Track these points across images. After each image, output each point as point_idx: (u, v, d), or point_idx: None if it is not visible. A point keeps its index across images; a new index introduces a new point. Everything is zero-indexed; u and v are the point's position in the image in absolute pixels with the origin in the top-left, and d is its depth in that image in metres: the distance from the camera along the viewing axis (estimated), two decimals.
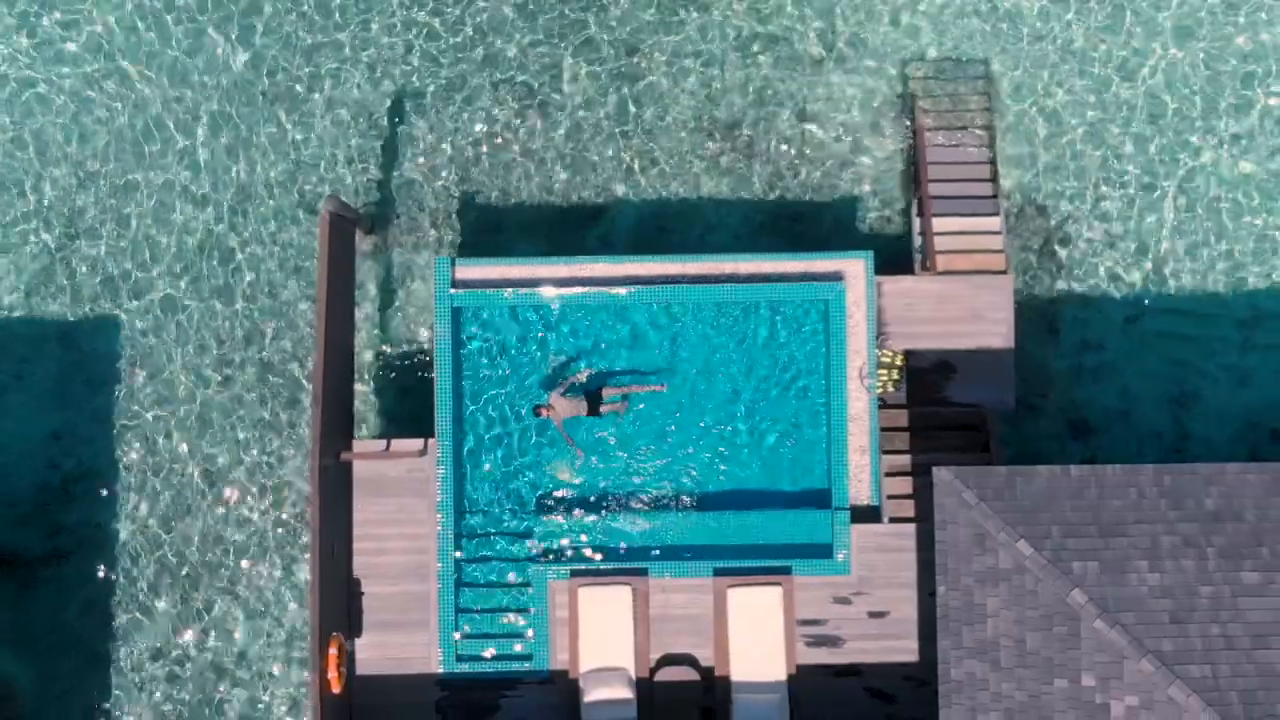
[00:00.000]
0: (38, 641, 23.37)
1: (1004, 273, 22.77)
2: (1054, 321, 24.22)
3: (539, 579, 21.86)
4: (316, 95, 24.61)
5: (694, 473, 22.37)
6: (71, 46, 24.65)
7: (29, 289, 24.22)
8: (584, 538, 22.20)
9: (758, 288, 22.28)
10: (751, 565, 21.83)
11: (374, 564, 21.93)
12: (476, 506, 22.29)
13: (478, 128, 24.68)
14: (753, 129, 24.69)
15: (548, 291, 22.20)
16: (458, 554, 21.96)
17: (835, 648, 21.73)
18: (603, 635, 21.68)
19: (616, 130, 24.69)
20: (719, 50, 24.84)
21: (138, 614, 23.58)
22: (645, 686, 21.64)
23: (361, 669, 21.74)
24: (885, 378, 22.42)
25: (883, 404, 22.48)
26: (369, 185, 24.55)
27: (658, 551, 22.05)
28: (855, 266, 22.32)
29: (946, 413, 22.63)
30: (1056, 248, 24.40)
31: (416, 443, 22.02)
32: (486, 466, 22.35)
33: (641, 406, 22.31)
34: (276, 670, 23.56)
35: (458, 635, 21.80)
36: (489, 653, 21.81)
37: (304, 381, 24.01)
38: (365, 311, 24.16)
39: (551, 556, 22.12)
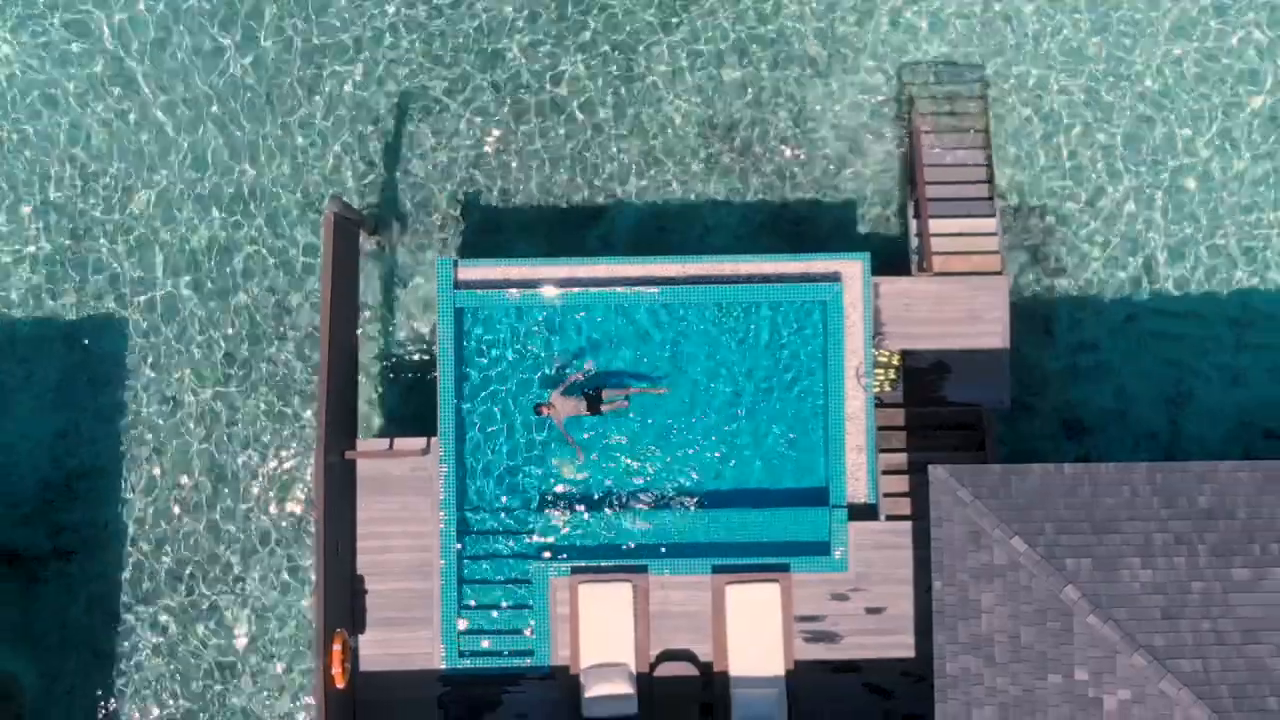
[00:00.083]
0: (42, 639, 23.45)
1: (1000, 274, 22.86)
2: (1049, 322, 24.33)
3: (540, 576, 21.95)
4: (319, 97, 24.68)
5: (693, 471, 22.45)
6: (76, 48, 24.73)
7: (34, 290, 24.31)
8: (584, 535, 22.27)
9: (756, 288, 22.37)
10: (750, 562, 21.92)
11: (378, 561, 22.01)
12: (478, 504, 22.35)
13: (479, 129, 24.75)
14: (751, 131, 24.78)
15: (549, 292, 22.29)
16: (460, 550, 22.03)
17: (833, 644, 21.85)
18: (603, 631, 21.76)
19: (616, 131, 24.77)
20: (718, 52, 24.93)
21: (141, 612, 23.67)
22: (645, 682, 21.73)
23: (365, 665, 21.81)
24: (882, 377, 22.50)
25: (880, 403, 22.59)
26: (372, 187, 24.62)
27: (658, 549, 22.10)
28: (853, 267, 22.42)
29: (943, 412, 22.76)
30: (1052, 249, 24.51)
31: (419, 441, 22.11)
32: (488, 465, 22.42)
33: (641, 405, 22.39)
34: (281, 667, 23.63)
35: (460, 629, 21.88)
36: (491, 648, 21.89)
37: (308, 381, 24.09)
38: (369, 312, 24.24)
39: (552, 554, 22.16)
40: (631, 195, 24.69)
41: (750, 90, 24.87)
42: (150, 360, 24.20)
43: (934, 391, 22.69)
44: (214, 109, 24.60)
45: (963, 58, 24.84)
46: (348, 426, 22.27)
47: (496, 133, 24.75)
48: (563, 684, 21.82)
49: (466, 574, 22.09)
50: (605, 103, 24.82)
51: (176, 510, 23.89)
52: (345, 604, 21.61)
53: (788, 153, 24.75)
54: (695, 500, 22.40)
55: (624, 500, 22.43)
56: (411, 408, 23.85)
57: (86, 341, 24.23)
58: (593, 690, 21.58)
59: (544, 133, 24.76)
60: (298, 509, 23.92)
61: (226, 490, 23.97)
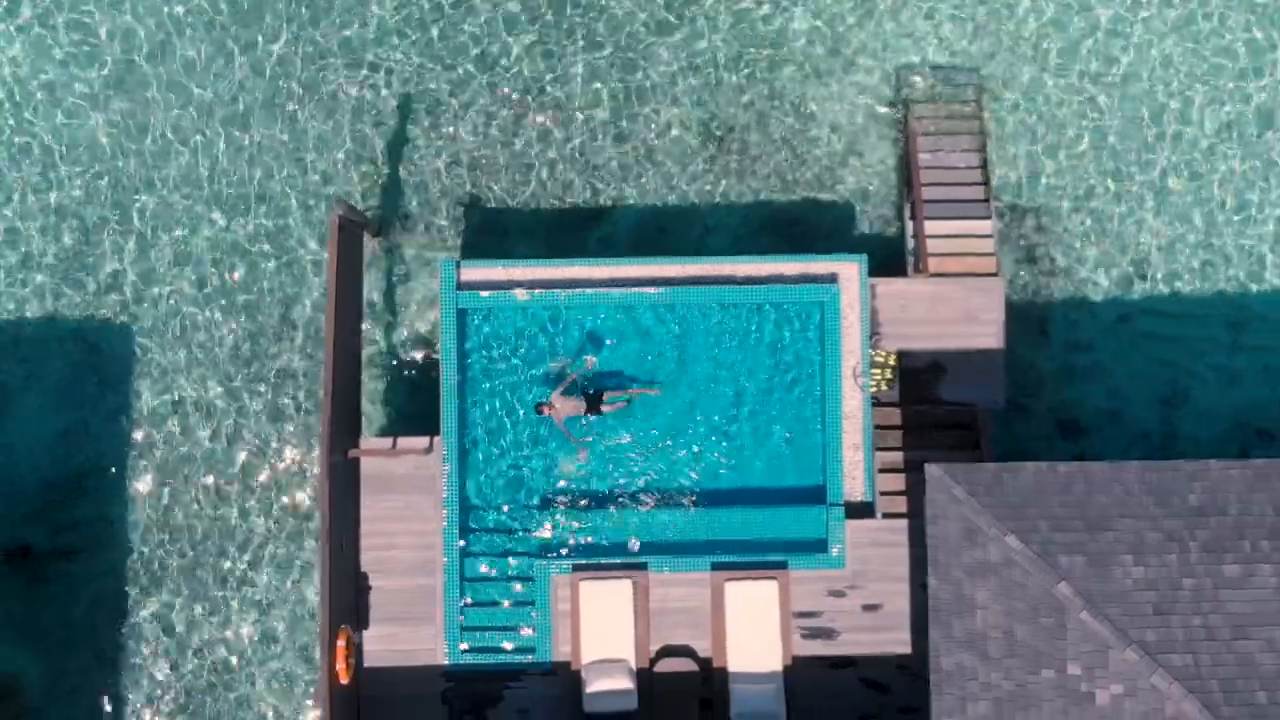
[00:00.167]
0: (47, 636, 23.51)
1: (995, 275, 22.96)
2: (1044, 323, 24.40)
3: (542, 573, 22.04)
4: (322, 100, 24.76)
5: (693, 470, 22.55)
6: (81, 50, 24.80)
7: (41, 291, 24.38)
8: (585, 533, 22.35)
9: (755, 289, 22.46)
10: (748, 560, 21.99)
11: (381, 559, 22.10)
12: (481, 503, 22.43)
13: (480, 131, 24.83)
14: (750, 133, 24.86)
15: (550, 292, 22.38)
16: (462, 548, 22.10)
17: (830, 640, 21.95)
18: (604, 628, 21.85)
19: (617, 133, 24.86)
20: (718, 55, 25.00)
21: (146, 609, 23.74)
22: (645, 677, 21.82)
23: (369, 661, 21.89)
24: (879, 377, 22.61)
25: (876, 403, 22.68)
26: (374, 188, 24.68)
27: (658, 546, 22.20)
28: (850, 269, 22.53)
29: (939, 412, 22.84)
30: (1047, 250, 24.60)
31: (422, 440, 22.21)
32: (490, 464, 22.52)
33: (641, 405, 22.51)
34: (286, 663, 23.71)
35: (463, 625, 21.96)
36: (493, 644, 21.97)
37: (313, 380, 24.17)
38: (372, 312, 24.29)
39: (554, 551, 22.27)
40: (631, 197, 24.77)
41: (749, 92, 24.95)
42: (155, 360, 24.26)
43: (930, 391, 22.78)
44: (219, 112, 24.68)
45: (958, 60, 24.93)
46: (352, 426, 22.37)
47: (498, 134, 24.83)
48: (564, 679, 21.91)
49: (469, 571, 22.18)
50: (605, 104, 24.90)
51: (181, 508, 23.96)
52: (350, 601, 21.72)
53: (786, 154, 24.83)
54: (694, 498, 22.48)
55: (624, 498, 22.50)
56: (415, 407, 23.88)
57: (92, 342, 24.31)
58: (594, 686, 21.69)
59: (545, 134, 24.84)
60: (302, 507, 24.00)
61: (231, 489, 24.04)
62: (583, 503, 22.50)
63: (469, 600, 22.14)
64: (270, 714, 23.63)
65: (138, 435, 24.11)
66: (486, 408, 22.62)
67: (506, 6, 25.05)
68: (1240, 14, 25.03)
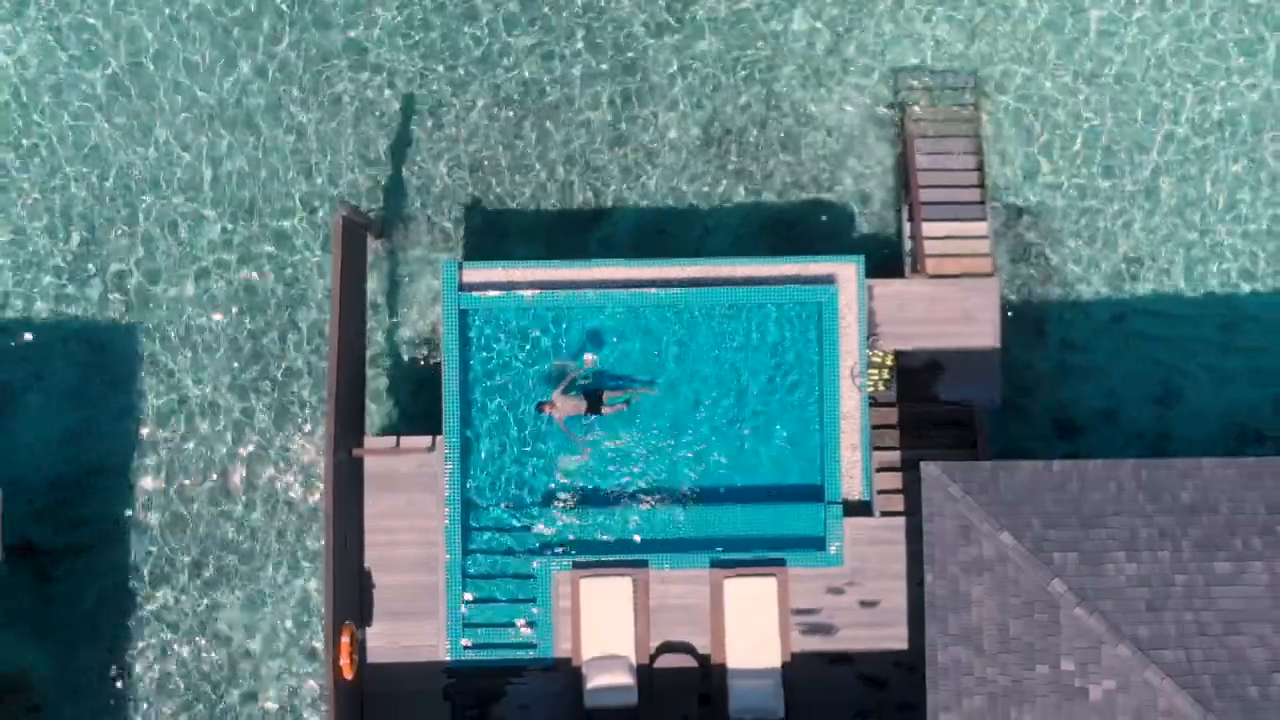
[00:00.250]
0: (56, 632, 23.59)
1: (991, 275, 23.01)
2: (1040, 323, 24.47)
3: (543, 570, 22.15)
4: (325, 102, 24.83)
5: (692, 468, 22.65)
6: (88, 53, 24.87)
7: (49, 292, 24.46)
8: (586, 531, 22.46)
9: (754, 290, 22.55)
10: (747, 557, 22.10)
11: (385, 556, 22.19)
12: (483, 501, 22.54)
13: (482, 133, 24.89)
14: (749, 135, 24.93)
15: (551, 293, 22.49)
16: (464, 545, 22.21)
17: (828, 636, 22.06)
18: (604, 624, 21.96)
19: (617, 135, 24.93)
20: (717, 58, 25.08)
21: (153, 605, 23.83)
22: (645, 673, 21.93)
23: (373, 657, 22.00)
24: (876, 377, 22.71)
25: (874, 402, 22.77)
26: (377, 190, 24.75)
27: (657, 544, 22.30)
28: (847, 270, 22.61)
29: (936, 411, 22.91)
30: (1043, 251, 24.66)
31: (425, 440, 22.30)
32: (492, 462, 22.61)
33: (641, 405, 22.62)
34: (290, 658, 23.82)
35: (465, 622, 22.08)
36: (495, 640, 22.09)
37: (318, 380, 24.25)
38: (376, 313, 24.35)
39: (555, 549, 22.37)
40: (632, 198, 24.85)
41: (748, 94, 25.02)
42: (161, 360, 24.36)
43: (927, 391, 22.87)
44: (224, 114, 24.77)
45: (955, 63, 24.99)
46: (356, 425, 22.48)
47: (499, 136, 24.91)
48: (565, 675, 22.01)
49: (471, 569, 22.27)
50: (606, 106, 24.98)
51: (186, 506, 24.05)
52: (354, 597, 21.81)
53: (784, 156, 24.89)
54: (694, 496, 22.58)
55: (624, 496, 22.61)
56: (418, 406, 24.02)
57: (99, 342, 24.39)
58: (594, 681, 21.80)
59: (546, 136, 24.92)
60: (307, 505, 24.09)
61: (237, 487, 24.11)
62: (583, 501, 22.61)
63: (471, 597, 22.23)
64: (276, 709, 23.74)
65: (144, 434, 24.20)
66: (488, 407, 22.70)
67: (508, 8, 25.12)
68: (1233, 14, 25.08)
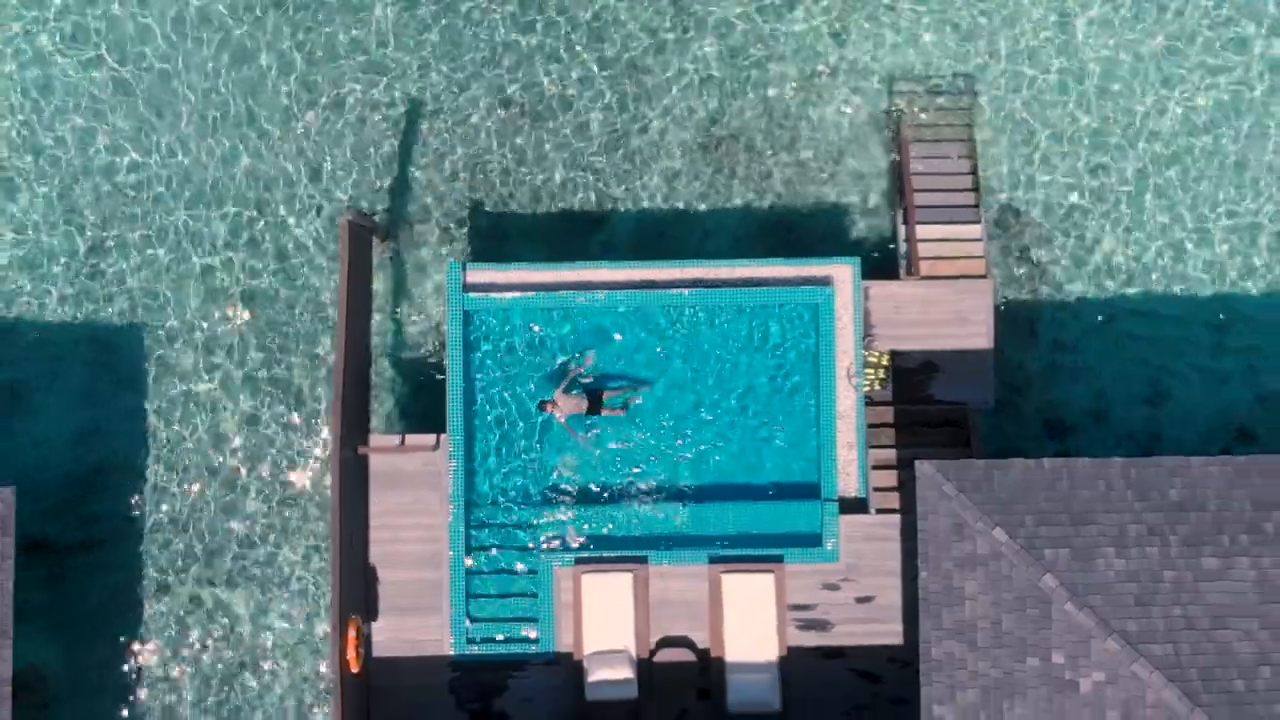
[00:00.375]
0: (68, 628, 23.66)
1: (984, 277, 23.14)
2: (1033, 324, 24.55)
3: (545, 566, 22.29)
4: (331, 106, 24.96)
5: (692, 466, 22.78)
6: (97, 56, 25.02)
7: (59, 293, 24.61)
8: (587, 527, 22.58)
9: (752, 291, 22.67)
10: (745, 554, 22.20)
11: (390, 552, 22.29)
12: (486, 498, 22.65)
13: (484, 136, 25.03)
14: (748, 140, 25.06)
15: (553, 294, 22.64)
16: (468, 544, 22.32)
17: (824, 631, 22.17)
18: (605, 619, 22.07)
19: (617, 138, 25.07)
20: (717, 64, 25.21)
21: (163, 601, 23.94)
22: (645, 667, 22.05)
23: (378, 651, 22.09)
24: (872, 377, 22.81)
25: (870, 402, 22.88)
26: (382, 193, 24.88)
27: (657, 540, 22.42)
28: (844, 271, 22.72)
29: (930, 410, 23.02)
30: (1035, 253, 24.77)
31: (429, 438, 22.40)
32: (495, 460, 22.76)
33: (641, 404, 22.78)
34: (298, 653, 23.94)
35: (468, 620, 22.21)
36: (498, 636, 22.22)
37: (324, 379, 24.42)
38: (381, 314, 24.46)
39: (557, 545, 22.50)
40: (632, 201, 25.00)
41: (747, 99, 25.15)
42: (168, 360, 24.49)
43: (922, 390, 22.99)
44: (232, 117, 24.88)
45: (950, 69, 25.12)
46: (361, 423, 22.59)
47: (501, 140, 25.04)
48: (567, 669, 22.10)
49: (475, 564, 22.38)
50: (607, 111, 25.11)
51: (195, 503, 24.17)
52: (359, 593, 21.91)
53: (782, 160, 25.00)
54: (693, 494, 22.69)
55: (625, 494, 22.74)
56: (422, 406, 24.12)
57: (109, 342, 24.49)
58: (595, 675, 21.92)
59: (547, 140, 25.07)
60: (314, 502, 24.21)
61: (244, 485, 24.23)
62: (585, 498, 22.72)
63: (474, 592, 22.37)
64: (283, 702, 23.86)
65: (152, 433, 24.30)
66: (491, 406, 22.83)
67: (510, 11, 25.24)
68: (1222, 12, 25.16)
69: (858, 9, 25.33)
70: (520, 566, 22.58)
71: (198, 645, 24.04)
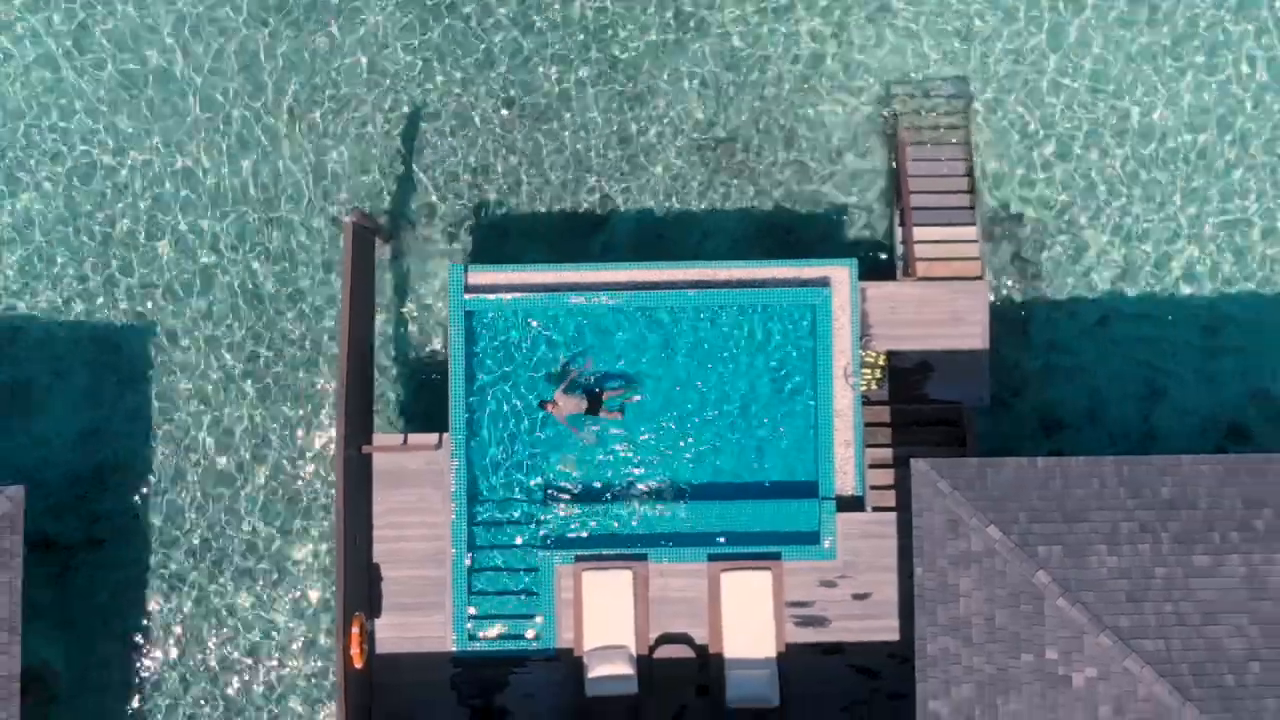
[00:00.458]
0: (73, 625, 23.76)
1: (979, 279, 23.31)
2: (1027, 324, 24.66)
3: (546, 564, 22.41)
4: (335, 111, 25.09)
5: (691, 465, 22.93)
6: (102, 59, 25.13)
7: (65, 294, 24.73)
8: (588, 525, 22.75)
9: (750, 292, 22.81)
10: (744, 551, 22.33)
11: (393, 550, 22.40)
12: (488, 497, 22.81)
13: (486, 139, 25.14)
14: (747, 143, 25.19)
15: (554, 295, 22.77)
16: (470, 542, 22.44)
17: (822, 628, 22.29)
18: (605, 616, 22.19)
19: (618, 140, 25.19)
20: (716, 69, 25.32)
21: (168, 599, 24.07)
22: (645, 663, 22.17)
23: (381, 647, 22.22)
24: (869, 376, 22.97)
25: (866, 401, 23.00)
26: (385, 195, 25.01)
27: (657, 538, 22.57)
28: (841, 273, 22.86)
29: (926, 409, 23.15)
30: (1030, 255, 24.89)
31: (432, 437, 22.54)
32: (497, 459, 22.90)
33: (641, 404, 22.93)
34: (302, 649, 24.07)
35: (471, 614, 22.36)
36: (500, 632, 22.38)
37: (328, 379, 24.54)
38: (384, 315, 24.59)
39: (557, 543, 22.65)
40: (632, 203, 25.11)
41: (746, 104, 25.26)
42: (175, 361, 24.60)
43: (918, 390, 23.14)
44: (235, 123, 25.03)
45: (946, 73, 25.22)
46: (364, 423, 22.64)
47: (502, 141, 25.16)
48: (567, 665, 22.23)
49: (477, 562, 22.52)
50: (609, 117, 25.25)
51: (200, 503, 24.29)
52: (363, 590, 22.03)
53: (781, 162, 25.12)
54: (692, 492, 22.83)
55: (625, 492, 22.87)
56: (424, 405, 24.24)
57: (114, 343, 24.61)
58: (595, 671, 22.04)
59: (549, 143, 25.18)
60: (318, 501, 24.36)
61: (249, 483, 24.35)
62: (585, 496, 22.87)
63: (477, 589, 22.52)
64: (288, 698, 23.98)
65: (156, 432, 24.40)
66: (493, 406, 22.97)
67: (511, 14, 25.35)
68: (1216, 12, 25.24)
69: (855, 11, 25.46)
70: (521, 564, 22.73)
71: (202, 642, 24.16)
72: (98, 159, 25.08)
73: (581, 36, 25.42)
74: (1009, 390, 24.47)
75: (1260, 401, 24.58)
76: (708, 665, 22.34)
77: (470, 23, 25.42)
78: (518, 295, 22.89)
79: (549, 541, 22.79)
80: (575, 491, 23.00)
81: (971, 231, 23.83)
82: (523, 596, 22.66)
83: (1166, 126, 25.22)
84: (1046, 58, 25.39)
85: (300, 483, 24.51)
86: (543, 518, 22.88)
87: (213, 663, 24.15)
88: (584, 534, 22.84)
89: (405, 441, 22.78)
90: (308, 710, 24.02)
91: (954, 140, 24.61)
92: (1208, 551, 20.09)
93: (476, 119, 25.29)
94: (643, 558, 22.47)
